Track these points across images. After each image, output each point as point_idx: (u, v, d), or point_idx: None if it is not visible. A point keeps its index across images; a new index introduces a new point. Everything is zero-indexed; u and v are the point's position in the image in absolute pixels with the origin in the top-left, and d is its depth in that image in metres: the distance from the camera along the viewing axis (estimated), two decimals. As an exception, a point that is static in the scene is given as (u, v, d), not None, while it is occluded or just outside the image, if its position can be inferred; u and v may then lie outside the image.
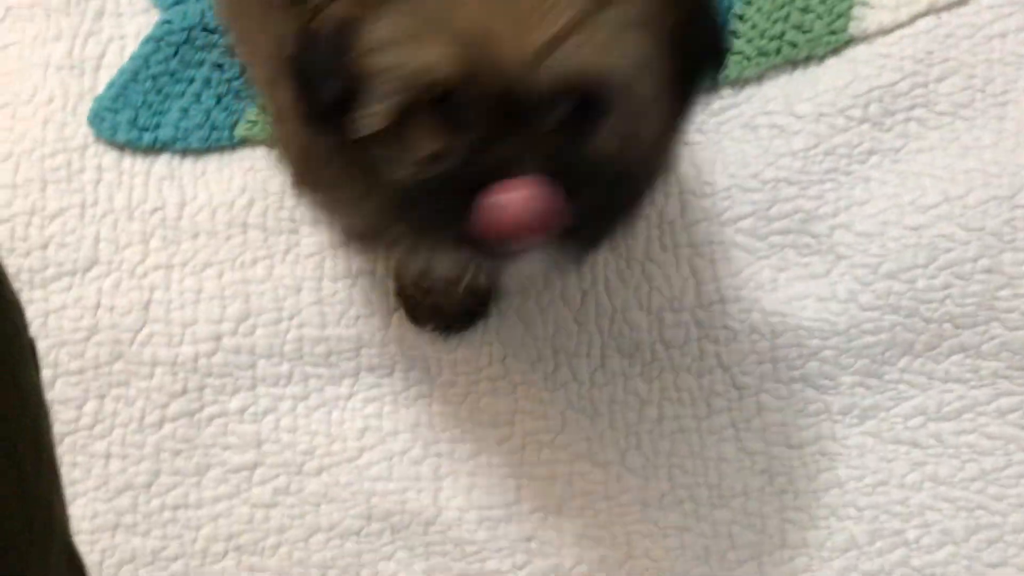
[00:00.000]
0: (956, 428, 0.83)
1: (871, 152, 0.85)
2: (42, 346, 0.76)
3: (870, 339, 0.83)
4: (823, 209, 0.84)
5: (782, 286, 0.84)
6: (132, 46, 0.85)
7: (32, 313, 0.76)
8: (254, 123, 0.84)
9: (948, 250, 0.84)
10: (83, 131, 0.84)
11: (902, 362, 0.83)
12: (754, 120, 0.85)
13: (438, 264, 0.62)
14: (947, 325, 0.84)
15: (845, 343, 0.83)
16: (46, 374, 0.73)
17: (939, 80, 0.86)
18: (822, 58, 0.86)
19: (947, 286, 0.84)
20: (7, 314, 0.43)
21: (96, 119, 0.83)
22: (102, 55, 0.85)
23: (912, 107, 0.85)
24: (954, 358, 0.84)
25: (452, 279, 0.66)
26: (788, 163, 0.84)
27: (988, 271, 0.84)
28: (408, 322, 0.82)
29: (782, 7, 0.87)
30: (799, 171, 0.84)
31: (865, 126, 0.85)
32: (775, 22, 0.87)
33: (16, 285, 0.77)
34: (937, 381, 0.83)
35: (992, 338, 0.84)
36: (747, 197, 0.84)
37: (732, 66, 0.86)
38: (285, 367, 0.81)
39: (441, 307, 0.80)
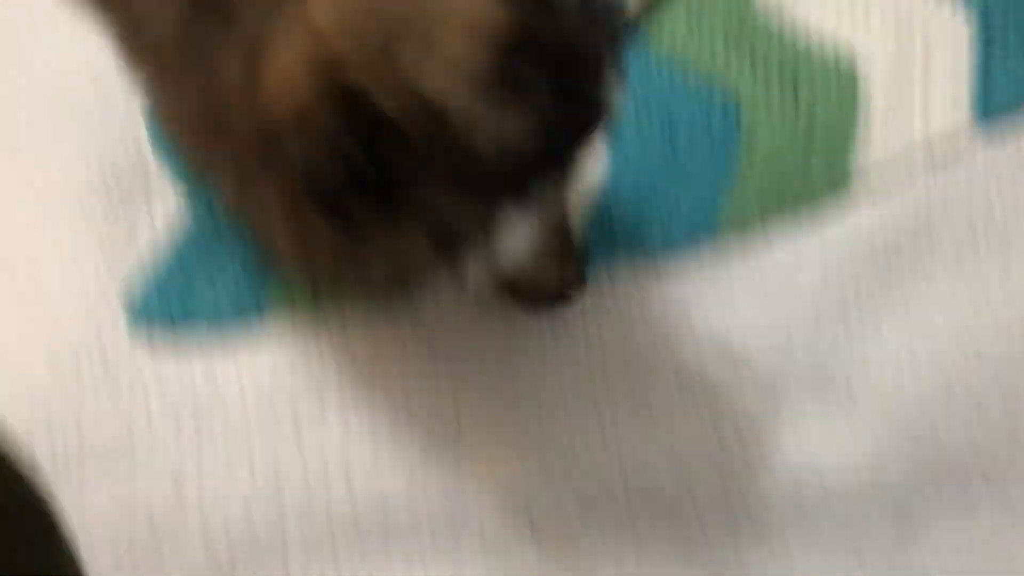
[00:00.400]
0: (989, 561, 0.82)
1: (881, 296, 0.87)
2: (80, 538, 0.78)
3: (895, 476, 0.83)
4: (838, 354, 0.85)
5: (802, 432, 0.84)
6: (161, 232, 0.89)
7: (67, 504, 0.78)
8: (283, 297, 0.87)
9: (966, 383, 0.85)
10: (117, 321, 0.86)
11: (929, 495, 0.83)
12: (763, 275, 0.87)
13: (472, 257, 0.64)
14: (971, 456, 0.84)
15: (870, 483, 0.83)
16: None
17: (942, 220, 0.88)
18: (825, 207, 0.89)
19: (968, 418, 0.84)
20: (49, 530, 0.43)
21: (129, 308, 0.86)
22: (132, 244, 0.88)
23: (917, 250, 0.87)
24: (980, 488, 0.84)
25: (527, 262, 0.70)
26: (800, 311, 0.86)
27: (1005, 399, 0.85)
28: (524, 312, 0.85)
29: (782, 164, 0.90)
30: (812, 319, 0.86)
31: (875, 275, 0.87)
32: (776, 178, 0.89)
33: (50, 477, 0.79)
34: (965, 512, 0.83)
35: (1017, 466, 0.84)
36: (761, 346, 0.86)
37: (736, 222, 0.88)
38: (315, 538, 0.82)
39: (541, 288, 0.83)
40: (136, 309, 0.87)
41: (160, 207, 0.89)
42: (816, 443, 0.84)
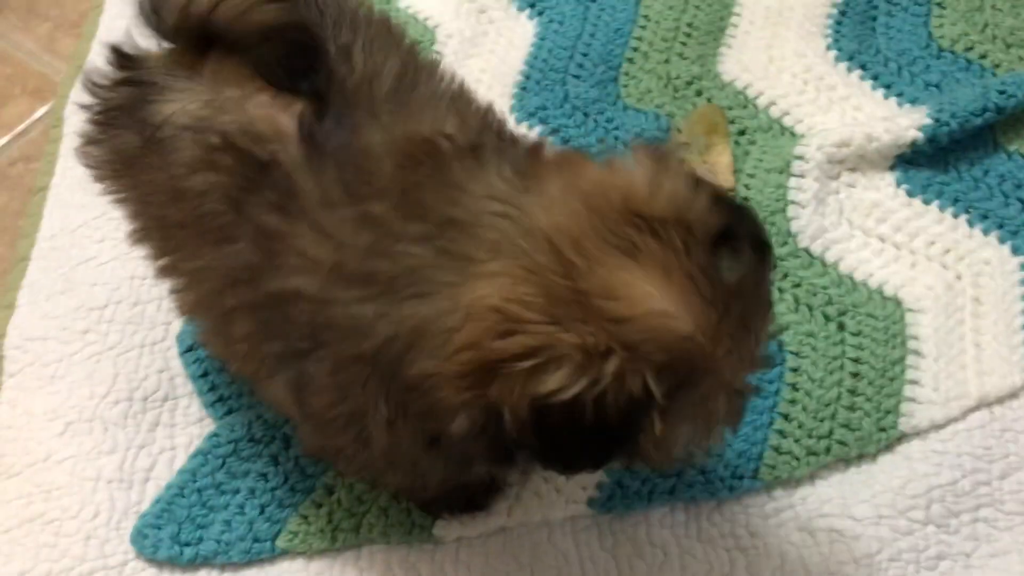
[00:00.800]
0: None
1: (940, 557, 0.80)
2: None
3: None
4: (899, 625, 0.77)
5: None
6: (181, 458, 0.87)
7: None
8: (295, 534, 0.83)
9: (1043, 664, 0.76)
10: (124, 547, 0.83)
11: None
12: (811, 523, 0.81)
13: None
14: None
15: None
16: None
17: (1002, 477, 0.82)
18: (875, 456, 0.84)
19: None
20: None
21: (138, 536, 0.83)
22: (152, 467, 0.87)
23: (978, 507, 0.81)
24: None
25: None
26: (851, 571, 0.79)
27: None
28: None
29: (828, 405, 0.86)
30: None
31: (930, 528, 0.80)
32: (822, 420, 0.85)
33: None
34: None
35: None
36: (813, 609, 0.79)
37: (781, 466, 0.83)
38: None
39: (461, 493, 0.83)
40: (146, 546, 0.83)
41: (183, 440, 0.88)
42: None
